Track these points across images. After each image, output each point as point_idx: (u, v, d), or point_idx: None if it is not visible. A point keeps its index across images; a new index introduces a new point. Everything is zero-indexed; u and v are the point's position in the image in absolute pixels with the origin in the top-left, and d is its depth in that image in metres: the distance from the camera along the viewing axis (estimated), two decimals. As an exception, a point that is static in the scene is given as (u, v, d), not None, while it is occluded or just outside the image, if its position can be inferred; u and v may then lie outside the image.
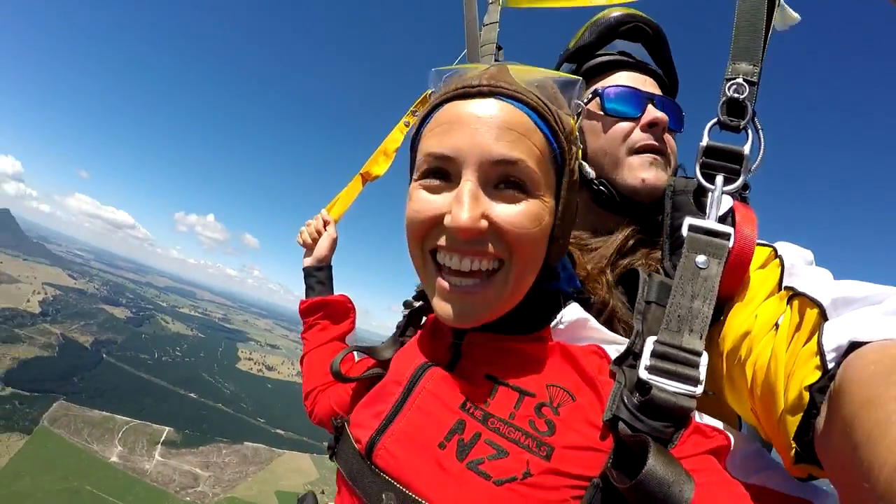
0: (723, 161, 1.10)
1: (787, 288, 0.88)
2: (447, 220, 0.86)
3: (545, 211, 0.90)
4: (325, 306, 1.92)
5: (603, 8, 1.56)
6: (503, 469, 0.80)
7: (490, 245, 0.88)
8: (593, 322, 0.99)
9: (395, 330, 1.38)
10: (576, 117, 0.98)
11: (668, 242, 1.12)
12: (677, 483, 0.70)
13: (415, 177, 0.95)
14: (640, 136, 1.33)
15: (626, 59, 1.47)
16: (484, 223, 0.85)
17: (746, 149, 1.10)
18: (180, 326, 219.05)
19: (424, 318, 1.33)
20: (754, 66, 1.15)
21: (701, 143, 1.13)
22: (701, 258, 0.94)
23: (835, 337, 0.69)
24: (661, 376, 0.83)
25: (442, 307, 0.92)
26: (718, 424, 0.85)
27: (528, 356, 0.95)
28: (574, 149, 0.96)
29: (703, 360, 0.84)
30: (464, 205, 0.84)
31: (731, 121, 1.13)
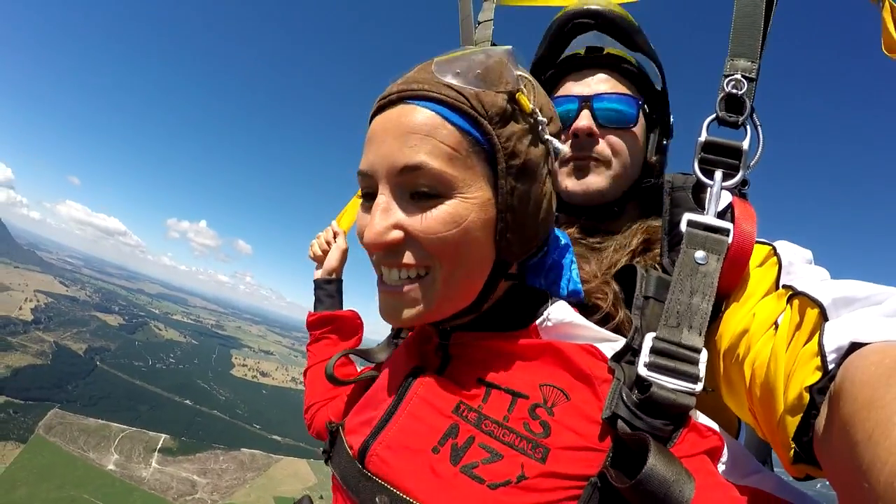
0: (721, 157, 1.10)
1: (785, 287, 0.88)
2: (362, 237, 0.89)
3: (468, 209, 0.86)
4: (333, 321, 1.87)
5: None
6: (497, 472, 0.79)
7: (410, 255, 0.87)
8: (582, 319, 0.96)
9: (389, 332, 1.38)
10: (522, 90, 0.90)
11: (667, 239, 1.11)
12: (678, 482, 0.69)
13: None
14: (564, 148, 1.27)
15: (569, 63, 1.46)
16: (396, 234, 0.86)
17: (745, 144, 1.09)
18: (173, 333, 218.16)
19: None
20: (752, 62, 1.15)
21: (699, 139, 1.12)
22: (700, 254, 0.93)
23: (836, 337, 0.68)
24: (661, 373, 0.82)
25: (382, 308, 0.94)
26: (712, 425, 0.85)
27: (519, 356, 0.94)
28: (515, 127, 0.88)
29: (703, 356, 0.84)
30: (372, 220, 0.86)
31: (730, 116, 1.13)
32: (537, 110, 0.91)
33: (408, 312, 0.90)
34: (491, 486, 0.77)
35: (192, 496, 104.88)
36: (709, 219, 0.98)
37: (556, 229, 1.08)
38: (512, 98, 0.89)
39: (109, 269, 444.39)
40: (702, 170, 1.10)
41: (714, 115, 1.14)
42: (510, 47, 0.92)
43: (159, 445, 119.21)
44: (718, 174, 1.07)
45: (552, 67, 1.51)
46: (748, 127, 1.12)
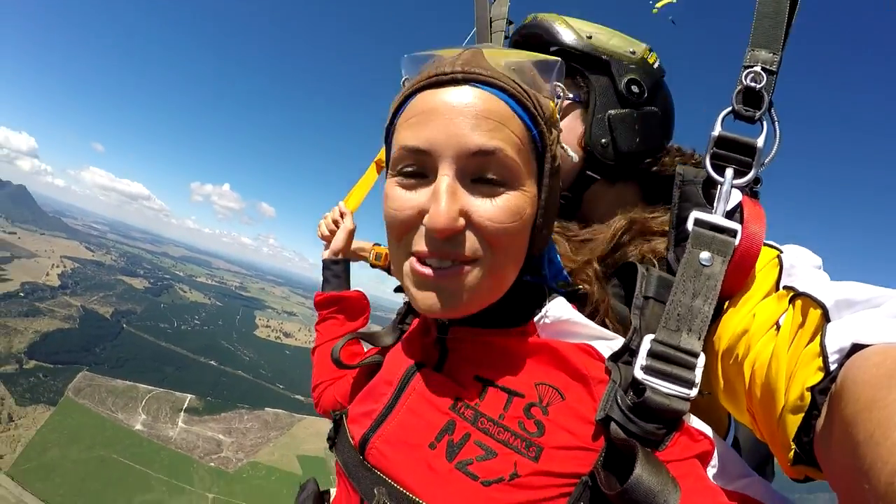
0: (734, 153, 1.06)
1: (786, 288, 0.87)
2: (426, 220, 0.84)
3: (526, 202, 0.87)
4: (340, 301, 1.89)
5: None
6: (491, 470, 0.80)
7: (468, 242, 0.85)
8: (580, 317, 0.97)
9: (395, 316, 1.38)
10: (556, 100, 0.96)
11: (674, 233, 1.08)
12: (663, 493, 0.70)
13: (391, 172, 0.92)
14: (575, 156, 1.30)
15: None
16: (461, 221, 0.83)
17: (760, 141, 1.05)
18: (198, 295, 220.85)
19: None
20: (774, 54, 1.10)
21: (713, 133, 1.08)
22: (705, 255, 0.91)
23: (838, 338, 0.68)
24: (657, 377, 0.81)
25: (423, 296, 0.88)
26: (705, 428, 0.85)
27: (515, 354, 0.94)
28: (555, 133, 0.93)
29: (700, 361, 0.83)
30: (441, 203, 0.81)
31: (747, 110, 1.08)
32: (558, 121, 0.95)
33: (458, 300, 0.87)
34: (484, 482, 0.79)
35: (217, 455, 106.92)
36: (716, 218, 0.96)
37: None
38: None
39: (134, 234, 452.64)
40: (713, 165, 1.06)
41: (730, 108, 1.09)
42: (560, 60, 0.97)
43: (185, 405, 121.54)
44: (729, 171, 1.04)
45: None
46: (764, 122, 1.08)
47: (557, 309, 0.96)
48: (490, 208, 0.84)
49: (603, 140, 1.38)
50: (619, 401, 0.80)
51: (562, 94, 0.97)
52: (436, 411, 0.91)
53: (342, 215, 2.09)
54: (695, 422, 0.85)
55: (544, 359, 0.92)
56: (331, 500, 1.20)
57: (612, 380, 0.84)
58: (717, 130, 1.08)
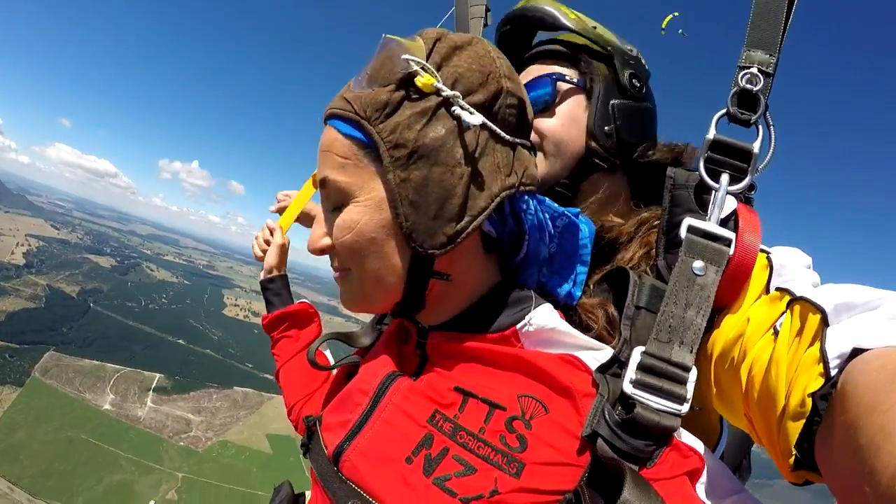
0: (729, 157, 1.03)
1: (779, 289, 0.85)
2: None
3: (362, 211, 0.90)
4: (288, 317, 1.85)
5: None
6: (470, 486, 0.78)
7: (336, 257, 0.99)
8: (566, 326, 0.94)
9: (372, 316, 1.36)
10: (420, 72, 0.86)
11: (664, 239, 1.06)
12: None
13: None
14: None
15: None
16: (326, 241, 0.97)
17: (756, 146, 1.02)
18: (165, 274, 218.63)
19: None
20: (771, 55, 1.07)
21: (707, 136, 1.05)
22: (698, 264, 0.88)
23: (838, 343, 0.68)
24: (647, 391, 0.80)
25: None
26: (695, 443, 0.82)
27: (497, 363, 0.93)
28: (402, 116, 0.87)
29: (692, 376, 0.81)
30: (313, 230, 1.00)
31: (742, 113, 1.05)
32: (442, 86, 0.87)
33: (345, 302, 1.02)
34: (463, 500, 0.77)
35: (187, 434, 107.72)
36: (711, 226, 0.93)
37: (581, 220, 1.05)
38: (407, 84, 0.87)
39: (100, 211, 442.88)
40: (708, 170, 1.04)
41: (725, 111, 1.06)
42: (387, 37, 0.91)
43: (154, 385, 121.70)
44: (725, 177, 1.01)
45: None
46: (760, 126, 1.05)
47: (542, 317, 0.93)
48: (334, 227, 0.95)
49: (606, 128, 1.35)
50: (608, 416, 0.78)
51: (436, 61, 0.91)
52: (413, 424, 0.89)
53: (272, 232, 2.06)
54: (685, 436, 0.83)
55: (527, 370, 0.89)
56: (306, 502, 1.16)
57: (600, 394, 0.81)
58: (712, 134, 1.05)
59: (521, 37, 1.51)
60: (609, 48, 1.39)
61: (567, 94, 1.37)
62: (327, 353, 1.59)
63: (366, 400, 0.98)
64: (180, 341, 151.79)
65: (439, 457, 0.83)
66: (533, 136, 1.22)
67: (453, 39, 0.94)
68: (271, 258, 1.95)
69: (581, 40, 1.39)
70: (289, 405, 1.72)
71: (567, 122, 1.35)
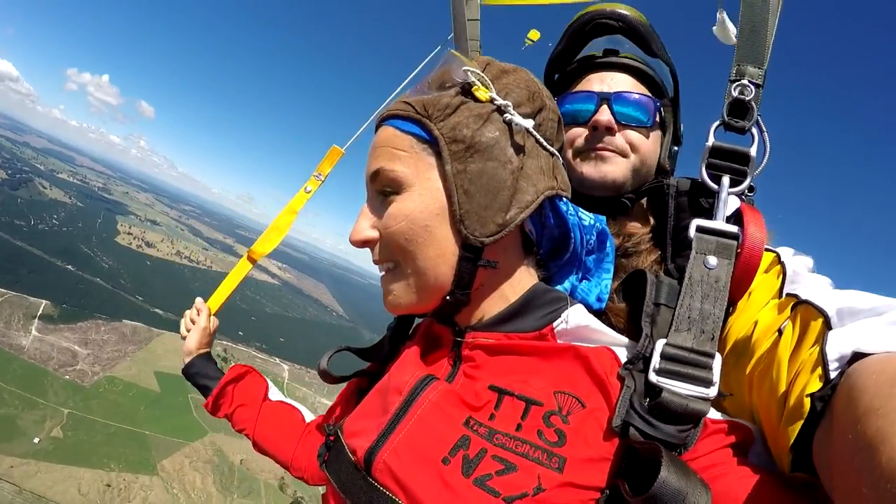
0: (728, 162, 1.11)
1: (789, 295, 0.89)
2: None
3: (417, 200, 0.95)
4: (229, 388, 1.79)
5: (578, 5, 1.55)
6: (513, 485, 0.77)
7: (377, 249, 1.01)
8: (599, 324, 0.98)
9: (385, 332, 1.35)
10: (476, 83, 0.97)
11: (672, 244, 1.13)
12: (692, 494, 0.68)
13: None
14: (582, 140, 1.37)
15: (588, 62, 1.48)
16: (371, 233, 1.00)
17: (752, 150, 1.10)
18: (58, 193, 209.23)
19: (416, 322, 1.32)
20: (759, 67, 1.15)
21: (707, 144, 1.13)
22: (711, 259, 0.94)
23: (839, 347, 0.70)
24: (673, 378, 0.82)
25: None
26: (741, 421, 0.84)
27: (533, 360, 0.95)
28: (461, 116, 0.95)
29: (717, 361, 0.84)
30: (356, 223, 1.02)
31: (736, 122, 1.13)
32: (496, 96, 0.97)
33: (391, 300, 1.03)
34: (507, 499, 0.76)
35: (73, 367, 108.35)
36: (718, 223, 1.00)
37: (608, 236, 1.11)
38: (465, 92, 0.97)
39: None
40: (709, 175, 1.11)
41: (720, 121, 1.14)
42: (451, 52, 1.02)
43: (39, 312, 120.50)
44: (726, 179, 1.08)
45: (570, 64, 1.53)
46: (754, 132, 1.13)
47: (577, 316, 0.97)
48: (384, 216, 0.98)
49: (668, 167, 1.45)
50: (636, 405, 0.80)
51: (491, 75, 1.01)
52: (449, 424, 0.89)
53: (199, 312, 1.95)
54: (726, 418, 0.85)
55: (565, 364, 0.92)
56: None
57: (627, 386, 0.84)
58: (711, 141, 1.13)
59: (592, 35, 1.50)
60: (674, 94, 1.48)
61: (657, 125, 1.42)
62: (286, 398, 1.63)
63: (399, 399, 0.97)
64: (69, 267, 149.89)
65: (478, 458, 0.82)
66: (622, 143, 1.35)
67: (501, 65, 1.04)
68: (191, 342, 1.88)
69: (672, 79, 1.47)
70: (286, 463, 1.68)
71: (651, 148, 1.40)
